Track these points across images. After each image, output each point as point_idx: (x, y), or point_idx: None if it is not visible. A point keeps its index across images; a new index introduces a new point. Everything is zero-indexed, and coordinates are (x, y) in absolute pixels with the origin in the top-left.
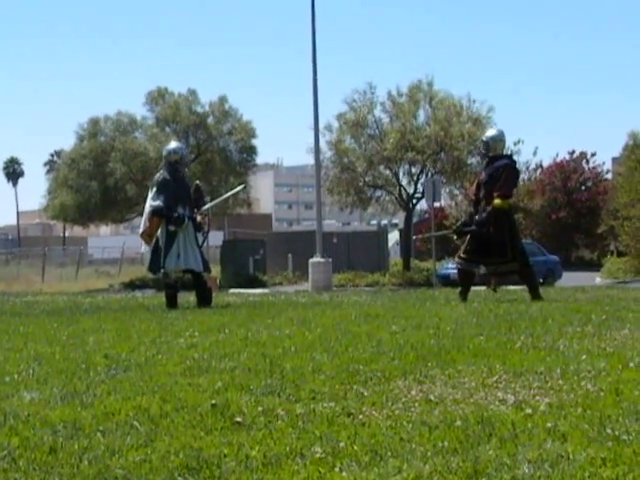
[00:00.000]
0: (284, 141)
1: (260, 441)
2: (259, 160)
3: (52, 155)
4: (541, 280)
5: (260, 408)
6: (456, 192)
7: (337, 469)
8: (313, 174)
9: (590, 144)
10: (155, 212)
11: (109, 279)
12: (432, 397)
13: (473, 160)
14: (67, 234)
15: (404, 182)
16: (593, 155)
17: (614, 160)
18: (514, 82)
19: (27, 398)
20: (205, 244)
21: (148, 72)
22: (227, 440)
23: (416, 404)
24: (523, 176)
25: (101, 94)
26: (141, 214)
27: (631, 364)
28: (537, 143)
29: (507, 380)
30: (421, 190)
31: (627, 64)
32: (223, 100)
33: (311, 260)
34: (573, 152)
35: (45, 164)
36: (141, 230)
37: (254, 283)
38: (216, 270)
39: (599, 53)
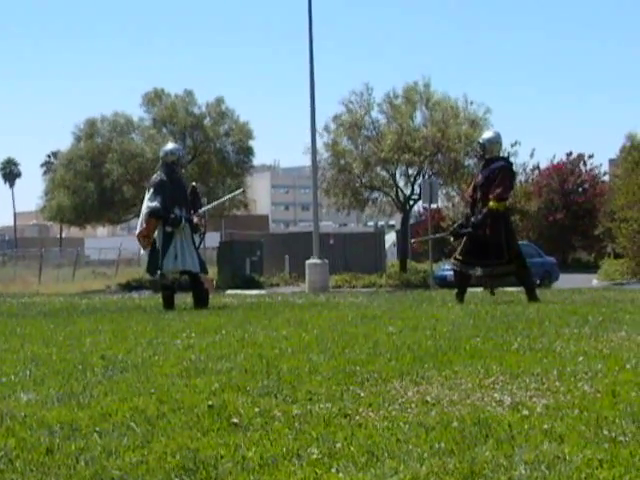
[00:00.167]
0: (281, 142)
1: (257, 442)
2: (256, 161)
3: (49, 156)
4: (538, 282)
5: (257, 409)
6: (453, 194)
7: (334, 470)
8: (310, 175)
9: (587, 146)
10: (152, 213)
11: (106, 280)
12: (429, 398)
13: (470, 162)
14: (64, 235)
15: (401, 183)
16: (590, 157)
17: (611, 162)
18: (511, 84)
19: (24, 399)
20: (202, 245)
21: (144, 73)
22: (224, 441)
23: (413, 405)
24: (520, 178)
25: (98, 95)
26: (138, 215)
27: (628, 366)
28: (534, 145)
29: (504, 381)
30: (418, 192)
31: (624, 66)
32: (220, 101)
33: (308, 261)
34: (570, 154)
35: (42, 165)
36: (137, 231)
37: (251, 284)
38: (213, 271)
39: (596, 55)
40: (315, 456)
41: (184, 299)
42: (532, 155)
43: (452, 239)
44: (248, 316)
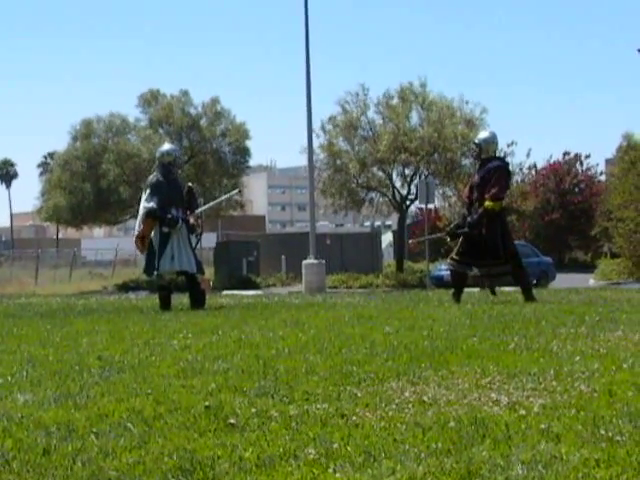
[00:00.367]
0: (277, 142)
1: (254, 442)
2: (252, 162)
3: (45, 157)
4: (534, 282)
5: (254, 409)
6: (450, 193)
7: (331, 470)
8: (306, 176)
9: (584, 146)
10: (149, 214)
11: (102, 281)
12: (425, 398)
13: (466, 161)
14: (60, 236)
15: (397, 184)
16: (587, 157)
17: (607, 161)
18: (507, 83)
19: (21, 400)
20: (198, 246)
21: (139, 73)
22: (221, 442)
23: (410, 405)
24: (516, 178)
25: (93, 95)
26: (134, 216)
27: (624, 365)
28: (531, 144)
29: (501, 381)
30: (414, 192)
31: (621, 65)
32: (215, 101)
33: (304, 262)
34: (568, 153)
35: (39, 166)
36: (135, 233)
37: (247, 285)
38: (209, 272)
39: (593, 54)
40: (312, 456)
41: (181, 300)
42: (528, 155)
43: (449, 239)
44: (245, 316)
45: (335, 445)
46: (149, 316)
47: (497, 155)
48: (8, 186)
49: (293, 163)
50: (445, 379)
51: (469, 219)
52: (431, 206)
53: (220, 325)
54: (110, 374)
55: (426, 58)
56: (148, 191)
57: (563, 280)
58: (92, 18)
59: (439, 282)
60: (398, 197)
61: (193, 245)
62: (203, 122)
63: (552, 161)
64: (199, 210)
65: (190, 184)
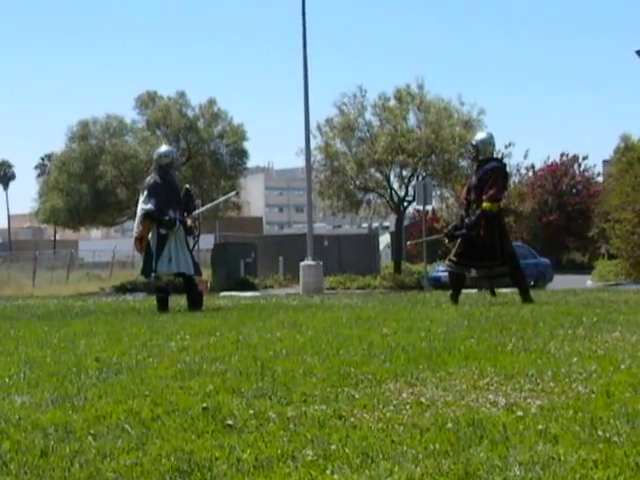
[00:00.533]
0: (275, 144)
1: (251, 444)
2: (249, 163)
3: (43, 158)
4: (532, 283)
5: (251, 411)
6: (447, 195)
7: (328, 472)
8: (304, 177)
9: (581, 147)
10: (146, 215)
11: (100, 282)
12: (423, 400)
13: (464, 163)
14: (58, 237)
15: (395, 185)
16: (585, 158)
17: (605, 163)
18: (505, 85)
19: (18, 402)
20: (196, 247)
21: (136, 74)
22: (218, 443)
23: (407, 407)
24: (514, 179)
25: (91, 97)
26: (132, 217)
27: (622, 366)
28: (528, 146)
29: (498, 382)
30: (412, 193)
31: (619, 67)
32: (212, 103)
33: (302, 263)
34: (567, 155)
35: (36, 167)
36: (134, 234)
37: (245, 286)
38: (207, 273)
39: (591, 55)
40: (310, 458)
41: (178, 301)
42: (526, 156)
43: (447, 241)
44: (242, 318)
45: (333, 446)
46: (147, 318)
47: (494, 156)
48: (5, 188)
49: (290, 164)
50: (443, 380)
51: (467, 220)
52: (429, 207)
53: (218, 327)
54: (108, 376)
55: (423, 59)
56: (145, 193)
57: (560, 281)
58: (89, 20)
59: (437, 283)
60: (396, 198)
61: (190, 247)
62: (200, 124)
63: (549, 162)
64: (197, 212)
65: (187, 186)
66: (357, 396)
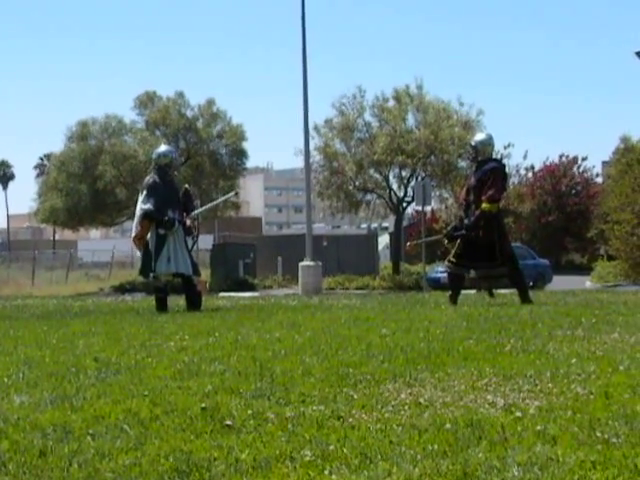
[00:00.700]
0: (274, 144)
1: (250, 444)
2: (249, 163)
3: (42, 158)
4: (531, 284)
5: (250, 411)
6: (446, 195)
7: (327, 472)
8: (303, 177)
9: (580, 148)
10: (145, 215)
11: (99, 282)
12: (422, 400)
13: (463, 164)
14: (57, 237)
15: (394, 186)
16: (584, 159)
17: (604, 164)
18: (504, 85)
19: (17, 401)
20: (195, 248)
21: (135, 74)
22: (217, 443)
23: (406, 407)
24: (513, 179)
25: (90, 97)
26: (131, 217)
27: (621, 367)
28: (527, 146)
29: (497, 383)
30: (411, 194)
31: (619, 68)
32: (211, 103)
33: (301, 263)
34: (567, 156)
35: (35, 167)
36: (133, 234)
37: (244, 286)
38: (206, 273)
39: (590, 56)
40: (308, 458)
41: (177, 301)
42: (525, 157)
43: (446, 242)
44: (241, 318)
45: (331, 447)
46: (145, 318)
47: (493, 157)
48: (5, 187)
49: (290, 165)
50: (441, 381)
51: (466, 221)
52: (428, 208)
53: (216, 327)
54: (106, 376)
55: (422, 60)
56: (145, 193)
57: (559, 282)
58: (89, 20)
59: (436, 284)
60: (395, 199)
61: (189, 247)
62: (199, 124)
63: (549, 163)
64: (196, 212)
65: (186, 186)
66: (356, 396)
